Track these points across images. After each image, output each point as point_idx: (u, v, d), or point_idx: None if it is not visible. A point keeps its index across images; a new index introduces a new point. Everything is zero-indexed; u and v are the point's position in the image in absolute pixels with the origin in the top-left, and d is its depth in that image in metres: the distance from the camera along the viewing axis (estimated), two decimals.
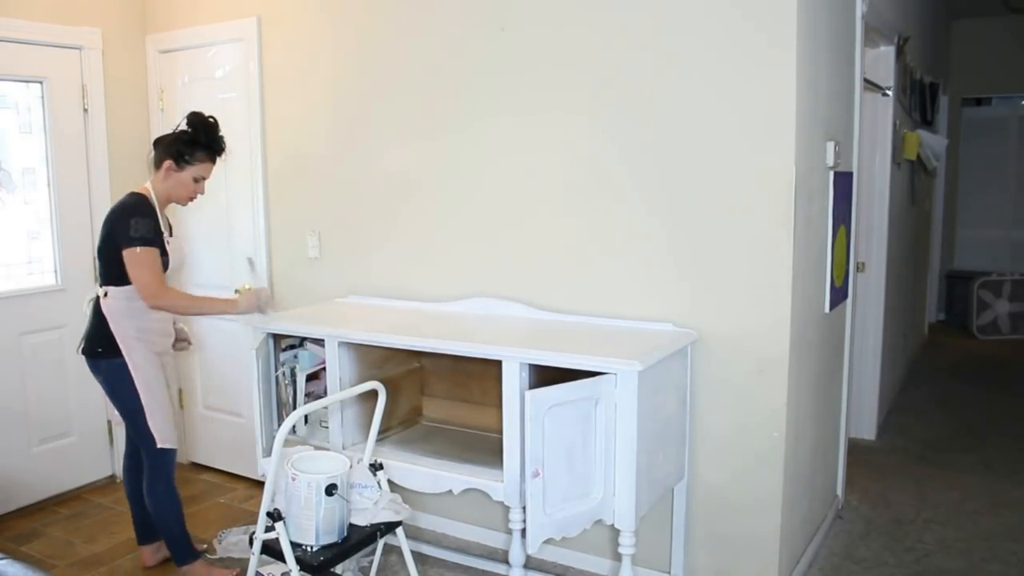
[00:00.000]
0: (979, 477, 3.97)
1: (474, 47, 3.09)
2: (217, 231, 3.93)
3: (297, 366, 3.02)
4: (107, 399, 2.94)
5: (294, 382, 3.02)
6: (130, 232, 2.72)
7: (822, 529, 3.28)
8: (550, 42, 2.92)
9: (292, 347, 3.05)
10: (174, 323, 3.03)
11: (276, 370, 3.03)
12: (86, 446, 3.92)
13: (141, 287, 2.74)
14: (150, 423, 2.82)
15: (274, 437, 2.46)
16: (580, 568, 3.07)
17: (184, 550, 2.98)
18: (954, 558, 3.15)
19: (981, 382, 5.75)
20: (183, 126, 2.88)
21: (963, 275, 7.44)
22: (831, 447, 3.43)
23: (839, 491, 3.60)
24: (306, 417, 3.03)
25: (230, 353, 3.87)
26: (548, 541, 2.40)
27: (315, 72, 3.53)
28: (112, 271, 2.78)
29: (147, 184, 2.90)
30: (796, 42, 2.51)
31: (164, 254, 2.83)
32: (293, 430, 2.90)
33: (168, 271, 2.87)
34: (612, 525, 2.44)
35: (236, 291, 3.35)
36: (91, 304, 2.89)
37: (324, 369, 2.92)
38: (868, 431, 4.50)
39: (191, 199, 2.97)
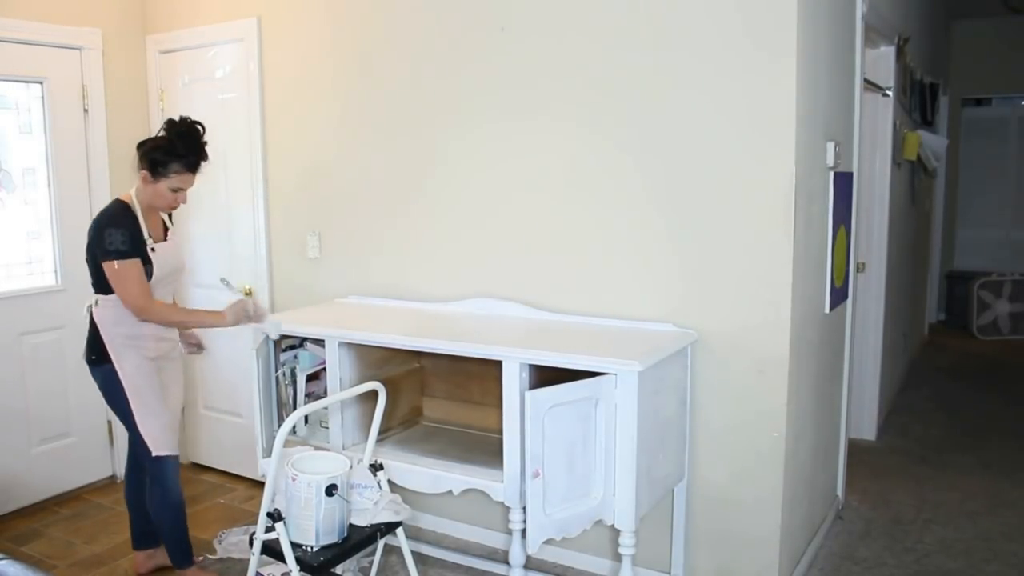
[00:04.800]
0: (979, 477, 3.97)
1: (474, 48, 3.09)
2: (217, 231, 3.93)
3: (297, 366, 3.02)
4: (106, 404, 2.90)
5: (294, 382, 3.02)
6: (105, 245, 2.62)
7: (822, 529, 3.28)
8: (551, 44, 2.92)
9: (292, 347, 3.05)
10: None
11: (276, 370, 3.03)
12: (86, 446, 3.93)
13: (126, 302, 2.66)
14: (141, 430, 2.76)
15: (274, 437, 2.45)
16: (580, 568, 3.07)
17: (183, 555, 2.94)
18: (954, 558, 3.15)
19: (981, 382, 5.75)
20: (162, 132, 2.73)
21: (963, 275, 7.44)
22: (831, 447, 3.43)
23: (839, 491, 3.60)
24: (306, 417, 3.03)
25: (230, 353, 3.87)
26: (548, 541, 2.40)
27: (315, 72, 3.53)
28: (99, 280, 2.72)
29: (132, 189, 2.79)
30: (796, 43, 2.51)
31: (147, 262, 2.71)
32: (293, 430, 2.90)
33: (155, 279, 2.74)
34: (612, 525, 2.44)
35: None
36: (88, 311, 2.84)
37: (324, 369, 2.92)
38: (868, 431, 4.50)
39: (172, 208, 2.84)
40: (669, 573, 2.88)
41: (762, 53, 2.56)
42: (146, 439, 2.76)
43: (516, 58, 3.00)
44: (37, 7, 3.61)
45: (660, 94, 2.74)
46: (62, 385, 3.82)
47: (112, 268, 2.63)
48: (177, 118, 2.75)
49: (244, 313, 2.76)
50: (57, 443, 3.81)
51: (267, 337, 2.96)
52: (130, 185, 3.99)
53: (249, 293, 3.81)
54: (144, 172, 2.71)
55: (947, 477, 3.97)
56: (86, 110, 3.83)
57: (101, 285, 2.71)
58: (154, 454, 2.77)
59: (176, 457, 2.87)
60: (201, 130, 2.75)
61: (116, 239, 2.62)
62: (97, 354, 2.76)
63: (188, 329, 3.03)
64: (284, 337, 3.00)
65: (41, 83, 3.68)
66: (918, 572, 3.04)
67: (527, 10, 2.96)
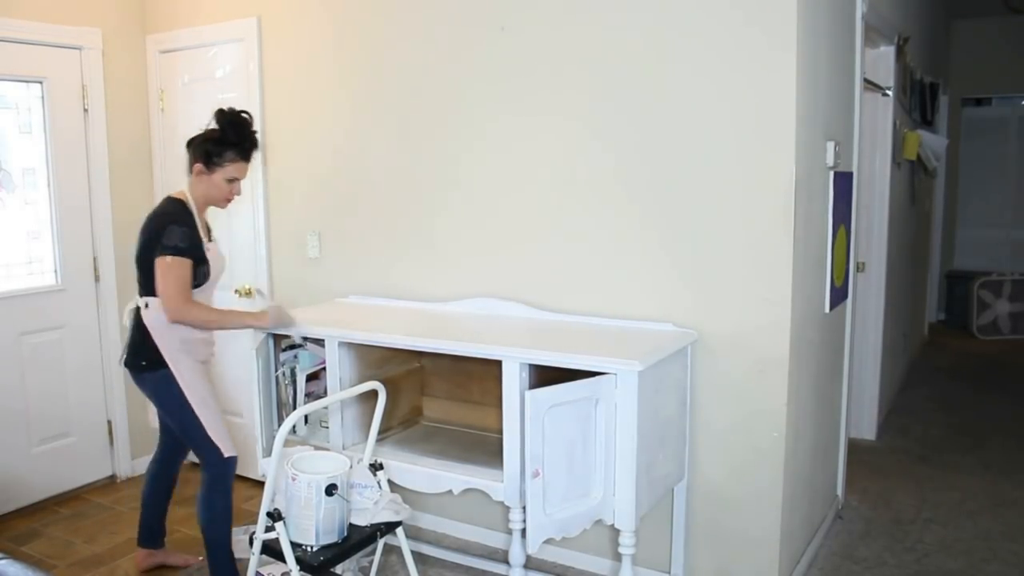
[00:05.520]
0: (979, 477, 3.97)
1: (474, 48, 3.09)
2: (217, 231, 3.91)
3: (297, 366, 3.02)
4: (162, 413, 2.83)
5: (294, 382, 3.02)
6: (163, 239, 2.59)
7: (822, 529, 3.28)
8: (550, 44, 2.92)
9: (292, 347, 3.04)
10: None
11: (276, 370, 3.03)
12: (86, 446, 3.92)
13: (165, 299, 2.60)
14: (212, 435, 2.69)
15: (274, 437, 2.46)
16: (580, 568, 3.07)
17: (229, 570, 2.78)
18: (954, 558, 3.15)
19: (981, 382, 5.75)
20: (213, 124, 2.73)
21: (963, 275, 7.44)
22: (831, 447, 3.43)
23: (839, 491, 3.60)
24: (306, 417, 3.03)
25: (230, 354, 3.87)
26: (548, 541, 2.40)
27: (315, 72, 3.53)
28: (151, 282, 2.65)
29: (183, 188, 2.78)
30: (796, 42, 2.51)
31: (204, 262, 2.70)
32: (293, 430, 2.90)
33: (211, 279, 2.75)
34: (612, 525, 2.44)
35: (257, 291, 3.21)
36: (131, 315, 2.77)
37: (324, 369, 2.92)
38: (868, 431, 4.50)
39: (228, 201, 2.83)
40: (669, 573, 2.88)
41: (762, 53, 2.56)
42: (217, 443, 2.70)
43: (516, 58, 3.00)
44: (37, 7, 3.61)
45: (660, 94, 2.74)
46: (62, 385, 3.82)
47: (164, 263, 2.58)
48: (225, 108, 2.75)
49: (284, 317, 2.80)
50: (57, 443, 3.81)
51: (267, 337, 2.96)
52: (130, 184, 4.05)
53: (249, 293, 3.82)
54: (198, 165, 2.71)
55: (947, 477, 3.97)
56: (86, 110, 3.83)
57: (152, 286, 2.65)
58: (226, 455, 2.71)
59: (236, 460, 2.79)
60: (249, 119, 2.77)
61: (176, 235, 2.60)
62: (148, 359, 2.68)
63: (225, 330, 2.88)
64: (284, 337, 3.00)
65: (41, 83, 3.68)
66: (918, 572, 3.04)
67: (527, 10, 2.96)
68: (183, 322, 2.63)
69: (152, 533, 3.07)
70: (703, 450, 2.80)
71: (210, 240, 2.79)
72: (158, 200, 4.01)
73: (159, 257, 2.59)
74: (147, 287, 2.67)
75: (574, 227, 2.95)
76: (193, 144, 2.74)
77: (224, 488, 2.75)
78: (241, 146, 2.72)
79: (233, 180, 2.76)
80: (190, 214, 2.70)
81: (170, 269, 2.58)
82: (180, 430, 2.75)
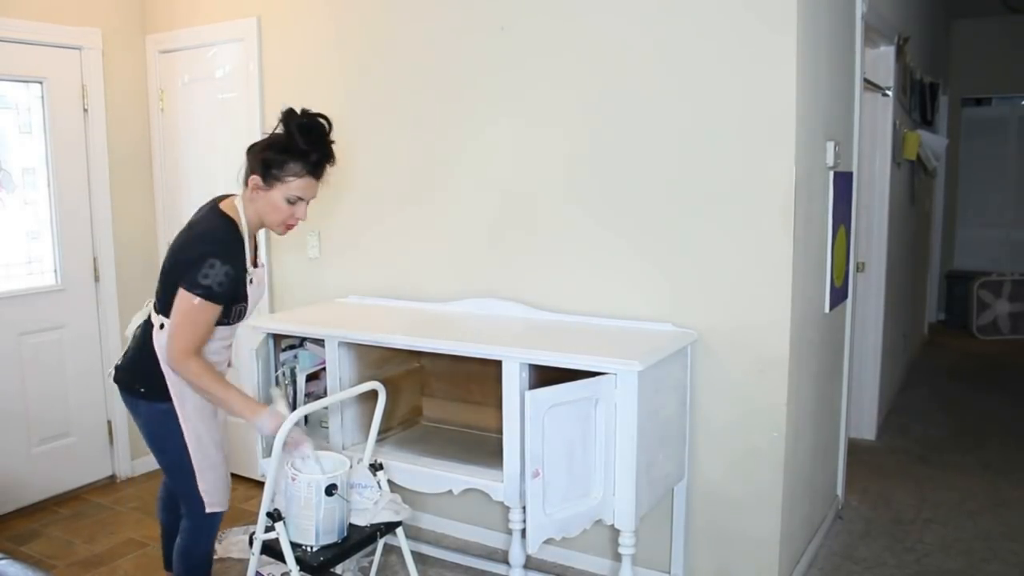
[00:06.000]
0: (979, 477, 3.97)
1: (474, 48, 3.09)
2: None
3: (297, 366, 3.02)
4: (149, 447, 2.41)
5: (294, 382, 3.02)
6: (199, 275, 2.13)
7: (822, 529, 3.28)
8: (551, 43, 2.92)
9: (292, 347, 3.04)
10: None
11: (276, 370, 3.02)
12: (86, 446, 3.92)
13: (175, 341, 2.17)
14: (200, 484, 2.33)
15: (274, 437, 2.45)
16: (580, 568, 3.07)
17: None
18: (954, 558, 3.15)
19: (981, 382, 5.75)
20: (279, 127, 2.22)
21: (963, 275, 7.44)
22: (831, 447, 3.42)
23: (839, 491, 3.60)
24: (306, 417, 3.03)
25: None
26: (548, 541, 2.40)
27: (315, 72, 3.53)
28: (172, 303, 2.21)
29: (236, 200, 2.27)
30: (796, 43, 2.51)
31: (242, 300, 2.28)
32: None
33: (246, 317, 2.37)
34: (612, 525, 2.44)
35: (276, 384, 2.81)
36: (139, 330, 2.36)
37: (324, 369, 2.92)
38: (868, 431, 4.50)
39: (288, 227, 2.31)
40: (669, 573, 2.88)
41: (762, 53, 2.56)
42: (203, 495, 2.35)
43: (516, 58, 3.00)
44: (37, 7, 3.61)
45: (660, 94, 2.74)
46: (62, 385, 3.81)
47: (190, 303, 2.14)
48: (298, 109, 2.24)
49: (277, 428, 2.22)
50: (57, 443, 3.81)
51: (267, 337, 2.96)
52: (130, 184, 4.04)
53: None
54: (255, 177, 2.21)
55: (947, 477, 3.97)
56: (86, 110, 3.83)
57: (172, 307, 2.21)
58: (208, 511, 2.38)
59: (224, 512, 2.46)
60: (327, 126, 2.25)
61: (216, 276, 2.14)
62: (149, 387, 2.28)
63: (209, 399, 2.30)
64: (284, 337, 3.00)
65: (41, 83, 3.67)
66: (918, 572, 3.04)
67: (526, 9, 2.96)
68: (178, 373, 2.21)
69: None
70: (703, 450, 2.80)
71: (256, 266, 2.33)
72: (158, 199, 4.09)
73: (186, 291, 2.15)
74: (166, 305, 2.23)
75: (574, 226, 2.95)
76: (253, 150, 2.26)
77: (205, 540, 2.44)
78: (309, 158, 2.21)
79: (296, 201, 2.26)
80: (240, 241, 2.24)
81: (195, 314, 2.15)
82: (166, 470, 2.40)
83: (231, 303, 2.26)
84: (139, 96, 4.05)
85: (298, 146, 2.19)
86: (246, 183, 2.26)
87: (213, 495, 2.37)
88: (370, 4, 3.34)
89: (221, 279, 2.16)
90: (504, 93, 3.04)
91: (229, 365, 2.52)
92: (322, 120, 2.25)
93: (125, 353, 2.41)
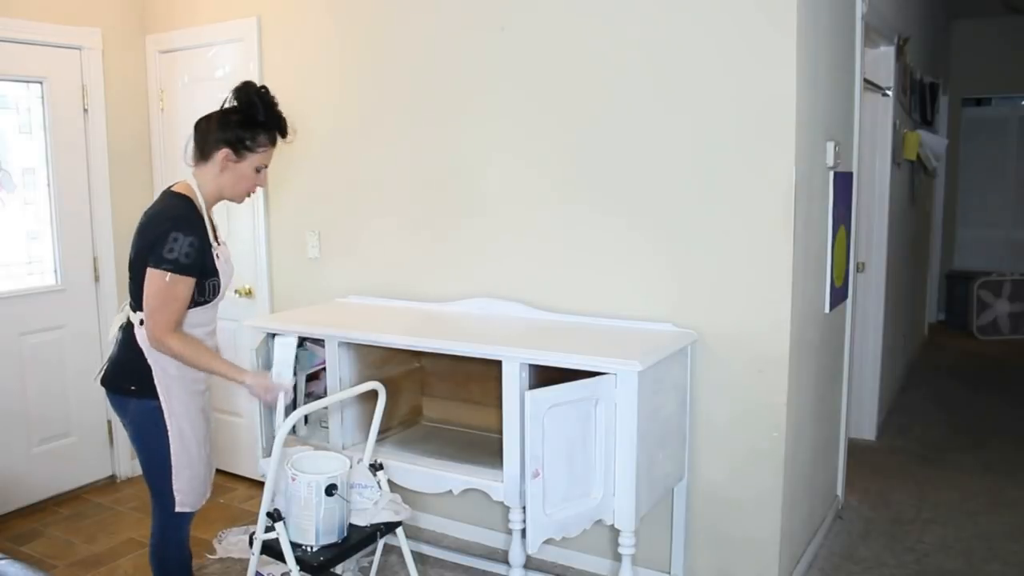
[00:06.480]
0: (979, 477, 3.97)
1: (475, 48, 3.09)
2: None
3: (297, 366, 3.02)
4: (132, 444, 2.40)
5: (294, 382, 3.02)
6: (163, 250, 2.15)
7: (822, 529, 3.28)
8: (551, 43, 2.92)
9: None
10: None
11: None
12: (86, 446, 3.93)
13: (148, 320, 2.19)
14: (174, 483, 2.31)
15: (274, 437, 2.45)
16: (580, 568, 3.07)
17: None
18: (954, 558, 3.15)
19: (981, 382, 5.75)
20: (231, 101, 2.30)
21: (963, 275, 7.44)
22: (831, 447, 3.43)
23: (839, 491, 3.60)
24: (306, 417, 3.03)
25: (229, 353, 3.86)
26: (548, 541, 2.40)
27: (315, 72, 3.53)
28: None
29: (189, 181, 2.32)
30: (796, 42, 2.51)
31: (213, 274, 2.29)
32: (293, 430, 2.89)
33: (221, 292, 2.36)
34: (612, 525, 2.44)
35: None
36: (119, 331, 2.37)
37: (324, 369, 2.92)
38: (868, 431, 4.50)
39: (250, 194, 2.41)
40: (669, 573, 2.88)
41: (763, 53, 2.56)
42: (175, 493, 2.32)
43: (516, 57, 3.00)
44: (37, 7, 3.61)
45: (660, 94, 2.74)
46: (62, 385, 3.82)
47: (162, 280, 2.16)
48: (242, 84, 2.33)
49: (263, 388, 2.39)
50: (57, 443, 3.81)
51: (267, 337, 2.96)
52: (131, 184, 4.05)
53: (250, 293, 3.81)
54: (225, 151, 2.27)
55: (947, 477, 3.97)
56: (86, 110, 3.83)
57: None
58: (176, 509, 2.34)
59: (193, 513, 2.42)
60: (272, 95, 2.36)
61: (182, 247, 2.16)
62: (139, 384, 2.28)
63: (198, 369, 2.34)
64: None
65: (41, 83, 3.68)
66: (918, 572, 3.04)
67: (527, 9, 2.96)
68: (162, 350, 2.23)
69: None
70: (703, 450, 2.80)
71: (218, 243, 2.37)
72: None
73: (154, 269, 2.16)
74: (141, 301, 2.24)
75: (574, 227, 2.95)
76: (212, 127, 2.29)
77: (176, 541, 2.40)
78: (272, 126, 2.33)
79: (261, 168, 2.36)
80: (199, 216, 2.27)
81: (168, 289, 2.17)
82: (144, 467, 2.37)
83: (202, 277, 2.26)
84: (139, 96, 4.05)
85: (261, 118, 2.29)
86: (204, 158, 2.30)
87: (186, 495, 2.34)
88: (370, 4, 3.34)
89: (187, 250, 2.17)
90: (504, 92, 3.04)
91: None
92: (265, 91, 2.34)
93: (110, 356, 2.40)
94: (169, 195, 2.32)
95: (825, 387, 3.18)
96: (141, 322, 2.25)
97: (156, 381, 2.27)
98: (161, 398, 2.28)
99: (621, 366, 2.33)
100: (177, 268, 2.17)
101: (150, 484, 2.38)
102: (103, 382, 2.38)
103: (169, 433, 2.29)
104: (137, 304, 2.27)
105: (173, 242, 2.16)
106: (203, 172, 2.32)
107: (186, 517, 2.40)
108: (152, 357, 2.26)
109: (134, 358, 2.28)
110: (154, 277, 2.17)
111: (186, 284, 2.20)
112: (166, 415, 2.28)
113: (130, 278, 2.29)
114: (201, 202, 2.30)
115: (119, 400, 2.35)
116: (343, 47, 3.44)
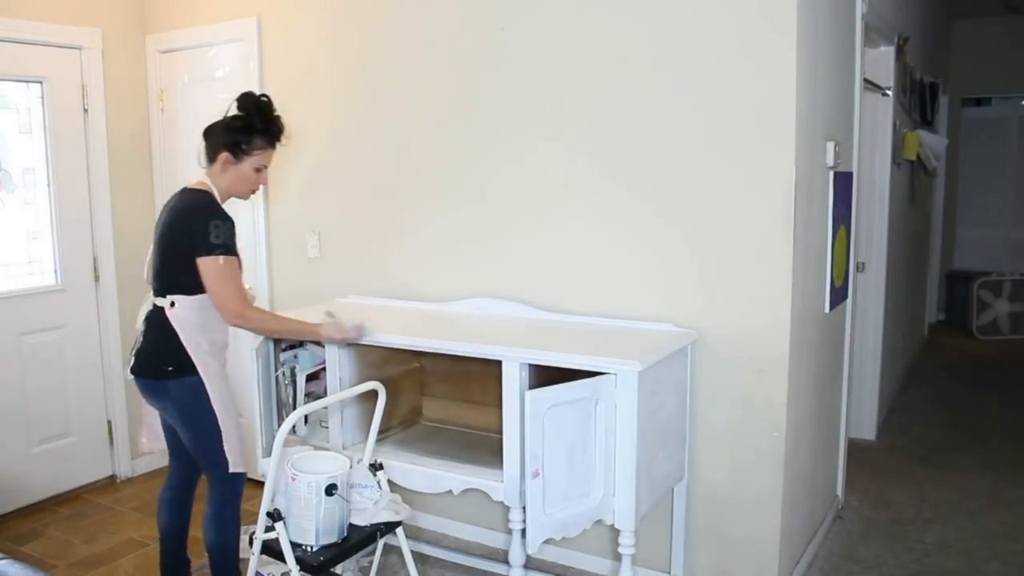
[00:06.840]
0: (979, 477, 3.97)
1: (476, 48, 3.09)
2: None
3: (297, 366, 3.02)
4: (178, 425, 2.53)
5: (294, 382, 3.02)
6: (211, 238, 2.37)
7: (822, 529, 3.28)
8: (550, 43, 2.92)
9: (292, 347, 3.04)
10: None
11: (276, 370, 3.02)
12: (86, 446, 3.92)
13: (224, 303, 2.41)
14: (226, 446, 2.47)
15: (274, 437, 2.45)
16: (580, 568, 3.07)
17: None
18: (954, 558, 3.15)
19: (981, 382, 5.75)
20: (233, 110, 2.54)
21: (963, 275, 7.44)
22: (831, 447, 3.43)
23: (839, 491, 3.60)
24: (306, 417, 3.03)
25: (229, 353, 3.86)
26: (548, 541, 2.40)
27: (315, 72, 3.53)
28: (180, 279, 2.43)
29: (204, 179, 2.54)
30: (796, 42, 2.51)
31: (239, 260, 2.52)
32: (293, 430, 2.89)
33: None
34: (612, 525, 2.44)
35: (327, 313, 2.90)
36: (147, 318, 2.52)
37: (324, 369, 2.92)
38: (868, 431, 4.50)
39: (253, 192, 2.63)
40: (669, 573, 2.88)
41: (762, 53, 2.56)
42: (228, 455, 2.48)
43: (517, 59, 3.00)
44: (37, 7, 3.61)
45: (659, 94, 2.74)
46: (62, 385, 3.82)
47: (216, 264, 2.38)
48: (247, 92, 2.59)
49: (341, 333, 2.64)
50: (57, 443, 3.81)
51: (267, 336, 2.95)
52: (131, 184, 4.04)
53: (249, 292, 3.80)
54: (225, 155, 2.51)
55: (947, 477, 3.97)
56: (86, 110, 3.83)
57: (181, 284, 2.44)
58: (232, 470, 2.49)
59: (246, 474, 2.59)
60: (270, 102, 2.59)
61: (225, 232, 2.40)
62: (177, 364, 2.44)
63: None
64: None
65: (41, 83, 3.68)
66: (918, 572, 3.04)
67: (527, 10, 2.96)
68: (243, 326, 2.50)
69: (179, 567, 2.75)
70: (703, 450, 2.80)
71: None
72: (158, 199, 4.08)
73: (208, 257, 2.38)
74: (173, 285, 2.45)
75: (574, 227, 2.95)
76: (215, 132, 2.54)
77: (234, 502, 2.55)
78: (268, 132, 2.54)
79: (261, 168, 2.58)
80: (222, 207, 2.51)
81: (226, 270, 2.40)
82: (196, 442, 2.51)
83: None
84: (139, 96, 4.05)
85: (257, 124, 2.52)
86: (211, 160, 2.54)
87: (238, 455, 2.51)
88: (370, 4, 3.34)
89: (229, 232, 2.43)
90: (504, 92, 3.04)
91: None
92: (266, 99, 2.57)
93: (141, 345, 2.53)
94: (192, 191, 2.53)
95: (825, 387, 3.18)
96: (172, 304, 2.45)
97: (193, 357, 2.44)
98: (201, 373, 2.45)
99: (621, 366, 2.33)
100: (227, 250, 2.41)
101: (204, 457, 2.53)
102: (138, 371, 2.52)
103: (214, 403, 2.46)
104: (168, 289, 2.46)
105: (215, 229, 2.39)
106: (212, 173, 2.55)
107: (242, 479, 2.57)
108: (186, 335, 2.44)
109: (168, 340, 2.45)
110: (208, 264, 2.39)
111: (237, 262, 2.46)
112: (208, 386, 2.45)
113: (162, 267, 2.48)
114: (217, 196, 2.53)
115: (157, 385, 2.49)
116: (343, 47, 3.44)
